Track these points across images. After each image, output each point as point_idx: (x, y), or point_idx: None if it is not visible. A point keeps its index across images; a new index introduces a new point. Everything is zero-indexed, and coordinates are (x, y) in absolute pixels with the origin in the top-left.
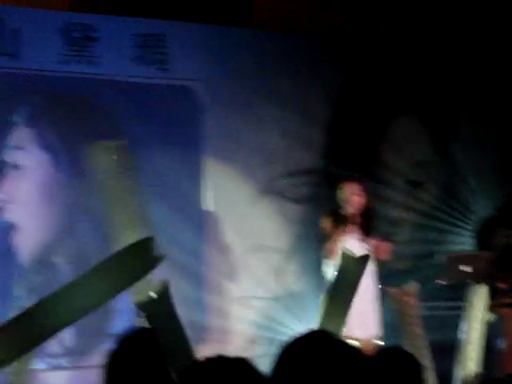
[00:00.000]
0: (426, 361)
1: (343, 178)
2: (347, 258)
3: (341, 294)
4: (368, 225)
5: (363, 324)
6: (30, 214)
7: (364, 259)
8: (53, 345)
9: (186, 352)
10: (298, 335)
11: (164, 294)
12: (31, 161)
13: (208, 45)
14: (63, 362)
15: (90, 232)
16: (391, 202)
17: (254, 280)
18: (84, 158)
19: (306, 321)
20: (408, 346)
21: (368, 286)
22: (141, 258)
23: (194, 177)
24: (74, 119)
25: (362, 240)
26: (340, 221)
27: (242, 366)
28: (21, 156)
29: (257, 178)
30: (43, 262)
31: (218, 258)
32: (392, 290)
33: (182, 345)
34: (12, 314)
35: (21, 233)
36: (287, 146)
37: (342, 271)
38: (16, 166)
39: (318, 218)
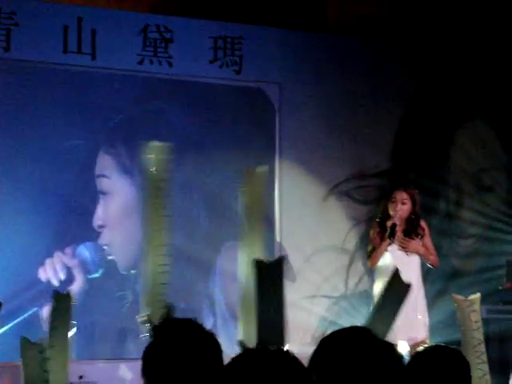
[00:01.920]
0: (485, 366)
1: (395, 184)
2: (260, 266)
3: (266, 304)
4: (412, 231)
5: (409, 327)
6: (120, 232)
7: (278, 263)
8: None
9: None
10: (337, 329)
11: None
12: (114, 186)
13: (281, 48)
14: None
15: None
16: (460, 205)
17: (322, 279)
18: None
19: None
20: (468, 350)
21: (413, 290)
22: None
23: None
24: (144, 134)
25: (406, 246)
26: (386, 229)
27: (282, 356)
28: (105, 183)
29: (326, 179)
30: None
31: (288, 257)
32: (457, 298)
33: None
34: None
35: (116, 247)
36: (357, 149)
37: (257, 280)
38: (104, 193)
39: None
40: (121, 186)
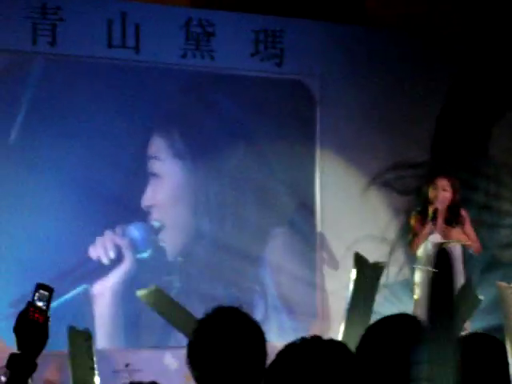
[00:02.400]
0: None
1: (435, 174)
2: (361, 263)
3: (359, 301)
4: (454, 219)
5: None
6: (169, 216)
7: (379, 266)
8: None
9: None
10: (384, 317)
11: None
12: (166, 169)
13: (322, 41)
14: None
15: (217, 227)
16: (498, 197)
17: None
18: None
19: (410, 308)
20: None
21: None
22: None
23: (307, 169)
24: (194, 119)
25: (448, 235)
26: (427, 216)
27: (335, 347)
28: (157, 165)
29: (366, 170)
30: (184, 254)
31: (330, 245)
32: (501, 284)
33: None
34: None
35: (165, 231)
36: (397, 139)
37: (357, 277)
38: (155, 175)
39: None
40: (173, 169)
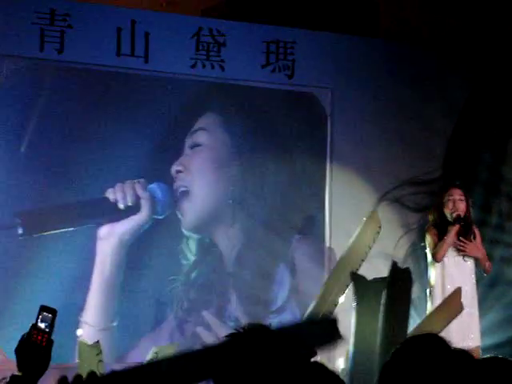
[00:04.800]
0: None
1: (447, 185)
2: (360, 284)
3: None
4: (467, 233)
5: (462, 334)
6: (200, 183)
7: (378, 283)
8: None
9: None
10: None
11: None
12: (211, 140)
13: (334, 53)
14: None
15: (247, 210)
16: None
17: None
18: None
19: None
20: None
21: (467, 295)
22: None
23: (317, 183)
24: None
25: (466, 249)
26: (445, 227)
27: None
28: (203, 136)
29: (377, 185)
30: (201, 227)
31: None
32: None
33: None
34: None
35: (189, 198)
36: (409, 155)
37: (359, 300)
38: (197, 144)
39: None
40: (217, 139)
